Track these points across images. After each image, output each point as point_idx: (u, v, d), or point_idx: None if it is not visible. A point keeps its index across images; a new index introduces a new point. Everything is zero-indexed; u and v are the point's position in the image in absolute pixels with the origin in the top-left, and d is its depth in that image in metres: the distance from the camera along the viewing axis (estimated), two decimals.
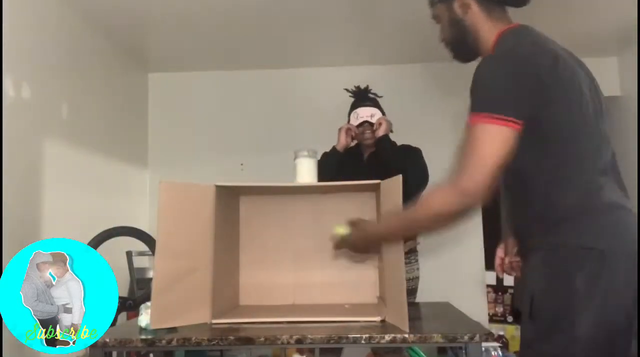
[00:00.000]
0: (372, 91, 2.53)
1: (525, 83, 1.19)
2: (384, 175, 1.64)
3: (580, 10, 3.29)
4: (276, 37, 3.65)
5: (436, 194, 1.24)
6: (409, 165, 2.24)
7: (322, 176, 1.83)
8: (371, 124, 2.38)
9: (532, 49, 1.26)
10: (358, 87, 2.52)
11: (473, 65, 1.34)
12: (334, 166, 2.26)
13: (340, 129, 2.41)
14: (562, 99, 1.23)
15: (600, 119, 1.30)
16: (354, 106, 2.48)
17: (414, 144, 2.52)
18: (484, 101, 1.22)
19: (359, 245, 1.53)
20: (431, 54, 4.04)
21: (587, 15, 3.37)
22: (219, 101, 4.28)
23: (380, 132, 2.35)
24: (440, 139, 3.39)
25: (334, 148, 2.39)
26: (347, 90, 2.54)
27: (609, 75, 4.13)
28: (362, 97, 2.49)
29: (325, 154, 2.36)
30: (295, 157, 1.88)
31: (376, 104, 2.48)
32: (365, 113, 2.40)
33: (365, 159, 2.45)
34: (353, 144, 2.49)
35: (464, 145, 1.22)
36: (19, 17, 2.59)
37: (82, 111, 3.20)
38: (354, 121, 2.42)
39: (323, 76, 4.05)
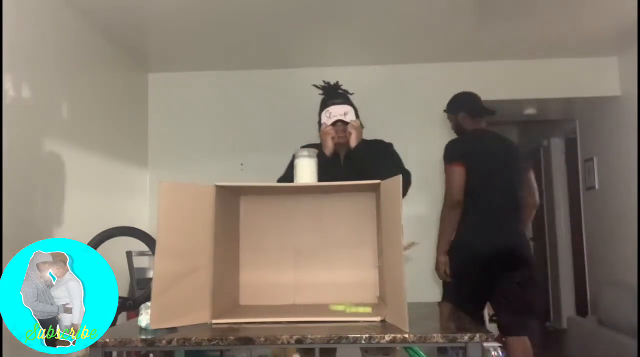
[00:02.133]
0: (342, 87, 2.48)
1: None
2: (361, 176, 1.74)
3: (580, 10, 3.29)
4: (276, 37, 3.65)
5: None
6: (385, 166, 2.20)
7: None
8: (344, 123, 2.35)
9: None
10: (328, 83, 2.48)
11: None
12: (327, 170, 2.18)
13: (325, 134, 2.33)
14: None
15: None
16: (324, 104, 2.41)
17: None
18: None
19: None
20: (432, 55, 4.05)
21: (587, 15, 3.37)
22: (219, 101, 4.28)
23: (353, 143, 2.30)
24: (439, 138, 3.41)
25: (322, 153, 2.29)
26: (315, 86, 2.49)
27: (609, 75, 4.13)
28: (332, 94, 2.44)
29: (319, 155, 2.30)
30: (295, 157, 1.88)
31: (347, 100, 2.41)
32: (338, 111, 2.35)
33: (342, 160, 2.41)
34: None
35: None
36: (19, 17, 2.59)
37: (82, 111, 3.21)
38: (327, 120, 2.35)
39: (323, 76, 4.05)
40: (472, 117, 2.86)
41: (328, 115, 2.36)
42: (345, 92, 2.46)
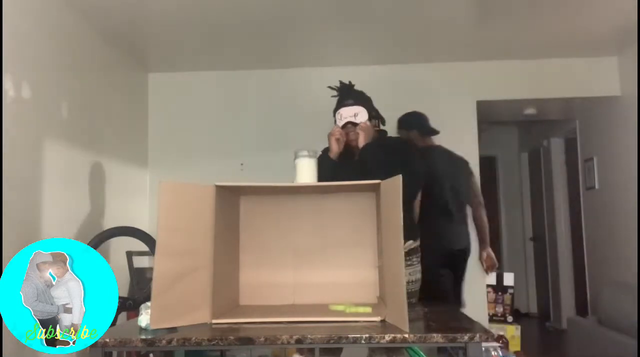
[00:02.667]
0: (354, 86, 2.47)
1: None
2: (368, 177, 1.71)
3: (580, 10, 3.29)
4: (276, 37, 3.65)
5: None
6: (392, 167, 2.14)
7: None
8: (355, 124, 2.35)
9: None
10: (341, 84, 2.46)
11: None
12: (328, 174, 2.18)
13: (330, 136, 2.34)
14: None
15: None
16: (337, 105, 2.41)
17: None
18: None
19: None
20: (432, 55, 4.05)
21: (587, 15, 3.37)
22: (219, 101, 4.28)
23: (360, 144, 2.30)
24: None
25: (328, 156, 2.33)
26: (330, 87, 2.48)
27: (609, 75, 4.13)
28: (344, 95, 2.42)
29: (321, 158, 2.27)
30: (295, 157, 1.88)
31: (359, 100, 2.39)
32: (348, 113, 2.34)
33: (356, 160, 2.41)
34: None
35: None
36: (19, 17, 2.59)
37: (82, 111, 3.21)
38: (338, 122, 2.37)
39: (323, 76, 4.06)
40: (422, 135, 3.28)
41: (339, 117, 2.37)
42: (360, 92, 2.44)
